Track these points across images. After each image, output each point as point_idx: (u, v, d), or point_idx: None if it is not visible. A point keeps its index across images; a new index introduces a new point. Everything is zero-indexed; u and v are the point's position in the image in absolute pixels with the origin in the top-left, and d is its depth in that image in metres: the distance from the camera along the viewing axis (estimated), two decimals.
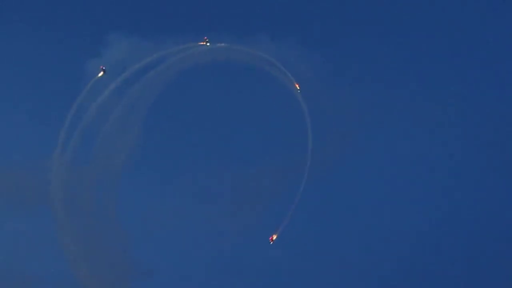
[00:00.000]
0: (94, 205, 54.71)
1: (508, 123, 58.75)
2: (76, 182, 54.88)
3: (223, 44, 53.71)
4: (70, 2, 63.03)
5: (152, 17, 59.80)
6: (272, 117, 57.36)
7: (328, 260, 56.11)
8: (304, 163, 53.45)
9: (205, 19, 59.31)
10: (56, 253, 54.37)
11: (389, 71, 60.31)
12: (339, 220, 57.43)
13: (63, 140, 55.08)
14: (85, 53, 56.91)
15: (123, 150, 55.12)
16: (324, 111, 54.69)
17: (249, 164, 56.64)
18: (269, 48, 53.92)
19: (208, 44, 53.85)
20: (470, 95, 60.20)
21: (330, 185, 57.27)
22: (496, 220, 56.56)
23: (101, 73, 53.82)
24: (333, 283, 55.43)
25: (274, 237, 52.80)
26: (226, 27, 57.28)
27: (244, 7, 59.31)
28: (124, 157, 55.02)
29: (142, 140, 55.45)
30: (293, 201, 52.92)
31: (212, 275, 55.57)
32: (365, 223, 57.39)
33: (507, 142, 58.32)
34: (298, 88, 53.38)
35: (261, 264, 53.67)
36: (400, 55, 60.99)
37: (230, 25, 58.01)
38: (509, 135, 58.49)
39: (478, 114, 59.50)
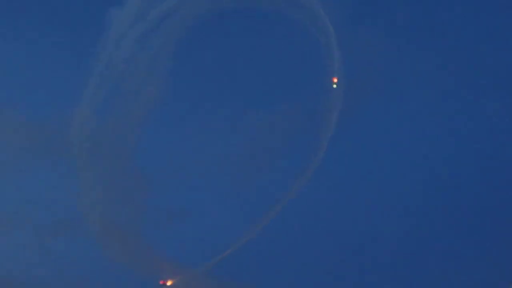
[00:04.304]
0: (117, 153, 54.92)
1: None
2: (98, 132, 55.07)
3: None
4: None
5: None
6: (301, 59, 55.53)
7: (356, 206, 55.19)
8: (333, 109, 52.02)
9: None
10: (78, 202, 54.64)
11: (427, 17, 57.55)
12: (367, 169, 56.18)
13: (85, 90, 55.19)
14: (105, 2, 56.16)
15: (145, 98, 54.86)
16: (355, 54, 52.91)
17: (275, 109, 55.46)
18: None
19: None
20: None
21: (358, 132, 56.14)
22: None
23: None
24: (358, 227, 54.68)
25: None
26: None
27: None
28: (147, 105, 54.80)
29: (164, 88, 54.79)
30: (319, 147, 51.72)
31: (236, 218, 55.16)
32: (394, 174, 56.08)
33: None
34: None
35: (286, 204, 52.51)
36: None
37: None
38: None
39: None
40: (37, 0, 60.12)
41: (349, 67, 52.36)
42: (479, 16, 57.41)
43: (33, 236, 55.05)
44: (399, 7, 56.52)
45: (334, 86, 51.23)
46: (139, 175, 54.38)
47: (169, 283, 53.46)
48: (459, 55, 56.56)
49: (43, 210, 55.50)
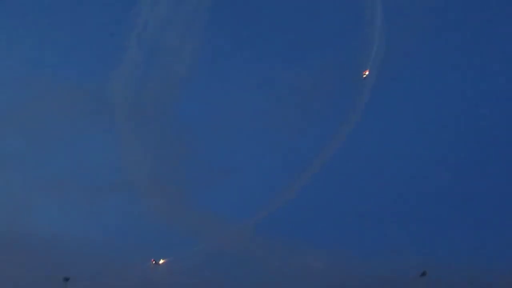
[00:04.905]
0: (160, 112, 55.68)
1: None
2: (141, 91, 55.73)
3: None
4: None
5: None
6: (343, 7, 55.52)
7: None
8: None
9: None
10: (125, 162, 56.13)
11: None
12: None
13: (126, 51, 55.53)
14: None
15: (185, 56, 55.17)
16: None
17: (315, 64, 55.67)
18: None
19: None
20: None
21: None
22: None
23: None
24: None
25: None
26: None
27: None
28: (187, 63, 55.19)
29: (203, 45, 54.89)
30: (361, 98, 52.48)
31: (279, 173, 56.19)
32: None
33: None
34: None
35: (329, 157, 53.69)
36: None
37: None
38: None
39: None
40: None
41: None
42: None
43: (83, 197, 57.27)
44: None
45: (364, 76, 52.10)
46: (183, 133, 55.55)
47: (161, 262, 54.48)
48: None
49: (92, 172, 57.48)
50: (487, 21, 56.11)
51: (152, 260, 53.96)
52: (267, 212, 53.23)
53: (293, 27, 56.25)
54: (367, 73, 52.42)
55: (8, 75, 58.51)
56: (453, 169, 55.69)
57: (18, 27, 59.76)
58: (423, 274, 51.44)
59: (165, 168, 56.62)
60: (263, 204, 53.48)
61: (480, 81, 56.67)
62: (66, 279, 54.94)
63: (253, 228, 53.82)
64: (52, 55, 59.13)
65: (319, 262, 52.55)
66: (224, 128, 56.73)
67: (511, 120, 56.53)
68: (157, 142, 56.22)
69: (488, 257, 51.40)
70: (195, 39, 54.67)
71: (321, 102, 55.30)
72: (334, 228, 53.66)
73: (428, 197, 54.75)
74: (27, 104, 57.51)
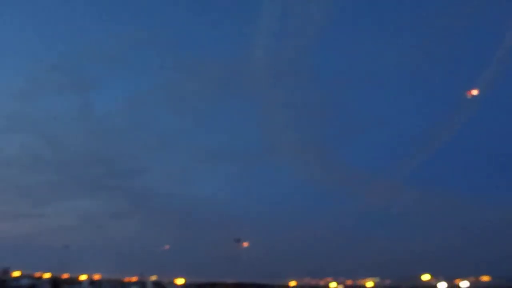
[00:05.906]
0: (298, 76, 58.53)
1: None
2: (277, 59, 58.76)
3: None
4: None
5: None
6: None
7: None
8: None
9: None
10: (267, 129, 60.26)
11: None
12: None
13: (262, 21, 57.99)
14: None
15: (317, 16, 56.43)
16: None
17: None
18: None
19: None
20: None
21: None
22: None
23: None
24: None
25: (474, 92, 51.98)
26: None
27: None
28: (321, 22, 56.51)
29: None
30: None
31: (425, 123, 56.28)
32: None
33: None
34: None
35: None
36: None
37: None
38: None
39: None
40: None
41: None
42: None
43: (237, 165, 62.73)
44: None
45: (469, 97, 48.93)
46: (322, 92, 57.62)
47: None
48: None
49: (239, 141, 62.63)
50: None
51: None
52: (415, 165, 53.42)
53: None
54: (474, 93, 49.56)
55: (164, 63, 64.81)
56: None
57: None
58: None
59: (307, 130, 59.50)
60: (409, 157, 53.67)
61: None
62: (237, 240, 61.27)
63: (401, 182, 54.53)
64: (192, 37, 63.88)
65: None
66: (362, 85, 57.69)
67: None
68: (298, 105, 59.05)
69: None
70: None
71: (461, 57, 53.49)
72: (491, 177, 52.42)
73: None
74: (180, 86, 63.74)
